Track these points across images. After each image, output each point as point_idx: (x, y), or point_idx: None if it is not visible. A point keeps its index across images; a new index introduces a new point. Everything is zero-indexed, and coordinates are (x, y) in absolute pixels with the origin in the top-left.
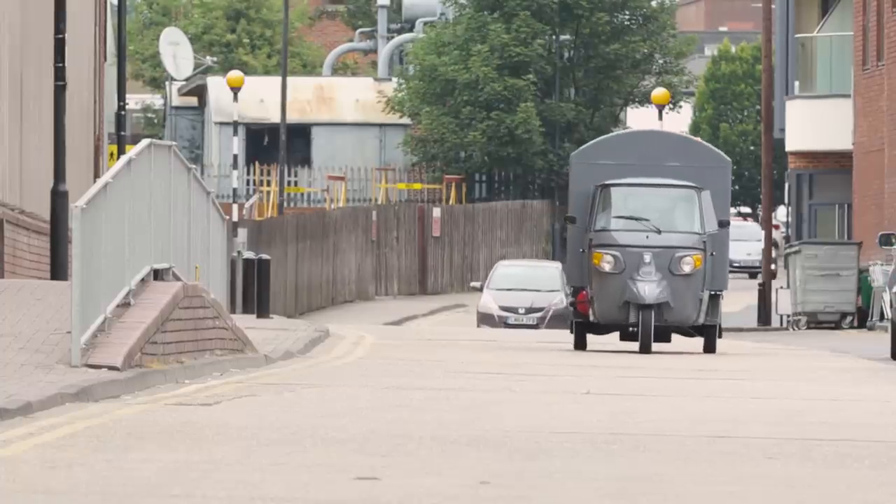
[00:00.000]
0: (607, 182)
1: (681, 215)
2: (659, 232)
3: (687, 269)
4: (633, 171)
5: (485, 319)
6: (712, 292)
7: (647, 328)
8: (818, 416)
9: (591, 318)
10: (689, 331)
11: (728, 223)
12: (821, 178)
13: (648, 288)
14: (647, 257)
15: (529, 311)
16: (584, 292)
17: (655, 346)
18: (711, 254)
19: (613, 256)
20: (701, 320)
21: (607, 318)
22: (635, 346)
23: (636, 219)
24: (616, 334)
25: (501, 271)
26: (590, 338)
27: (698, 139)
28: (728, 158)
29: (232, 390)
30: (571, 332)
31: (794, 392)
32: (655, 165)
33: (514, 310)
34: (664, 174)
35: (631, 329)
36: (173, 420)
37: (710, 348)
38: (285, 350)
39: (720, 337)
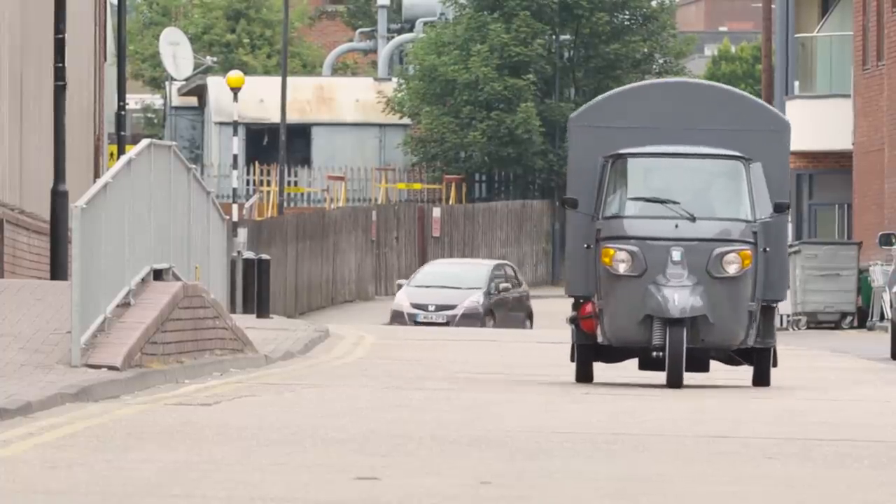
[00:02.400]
0: (621, 152)
1: (723, 197)
2: (693, 219)
3: (732, 270)
4: (657, 137)
5: (396, 317)
6: (765, 303)
7: (676, 353)
8: (818, 416)
9: (600, 338)
10: (734, 356)
11: (787, 207)
12: (821, 178)
13: (679, 296)
14: (677, 254)
15: (440, 308)
16: (590, 303)
17: (689, 377)
18: (765, 249)
19: (630, 253)
20: (750, 342)
21: (622, 338)
22: (661, 377)
23: (661, 201)
24: (634, 361)
25: (427, 269)
26: (599, 367)
27: (746, 93)
28: (787, 119)
29: (232, 390)
30: (572, 358)
31: (794, 392)
32: (688, 129)
33: (424, 307)
34: (700, 140)
35: (655, 354)
36: (173, 420)
37: (762, 379)
38: (285, 350)
39: (775, 365)
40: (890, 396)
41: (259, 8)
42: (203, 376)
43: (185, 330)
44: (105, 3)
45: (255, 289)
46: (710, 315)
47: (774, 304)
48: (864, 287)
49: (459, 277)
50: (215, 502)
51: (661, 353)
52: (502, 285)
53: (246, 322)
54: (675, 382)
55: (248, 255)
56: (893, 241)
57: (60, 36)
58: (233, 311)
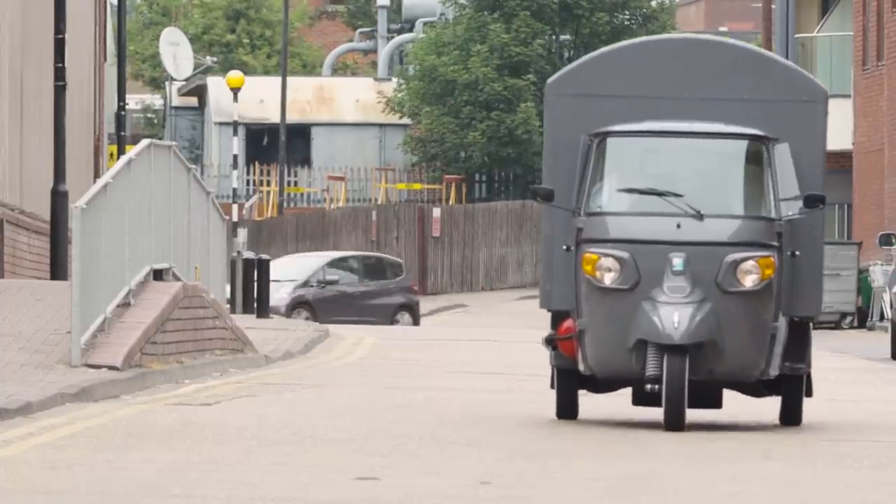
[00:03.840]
0: (610, 129)
1: (739, 188)
2: (700, 217)
3: (749, 282)
4: (657, 110)
5: None
6: (796, 318)
7: (676, 388)
8: (818, 417)
9: (581, 366)
10: (757, 387)
11: (822, 200)
12: None
13: (679, 315)
14: (679, 261)
15: None
16: (570, 321)
17: (697, 415)
18: (792, 254)
19: (619, 260)
20: (774, 370)
21: (607, 368)
22: (659, 414)
23: (660, 194)
24: (628, 392)
25: (273, 263)
26: (585, 401)
27: (771, 54)
28: (823, 87)
29: (232, 390)
30: (552, 385)
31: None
32: (695, 100)
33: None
34: (710, 115)
35: (650, 388)
36: (173, 420)
37: (791, 415)
38: (285, 350)
39: (809, 394)
40: (890, 396)
41: (259, 8)
42: (203, 376)
43: (185, 330)
44: (105, 3)
45: (255, 289)
46: (720, 340)
47: (807, 320)
48: (864, 287)
49: (284, 271)
50: (215, 502)
51: (656, 387)
52: (330, 278)
53: (246, 322)
54: (674, 425)
55: (248, 255)
56: (893, 241)
57: (60, 36)
58: (233, 311)
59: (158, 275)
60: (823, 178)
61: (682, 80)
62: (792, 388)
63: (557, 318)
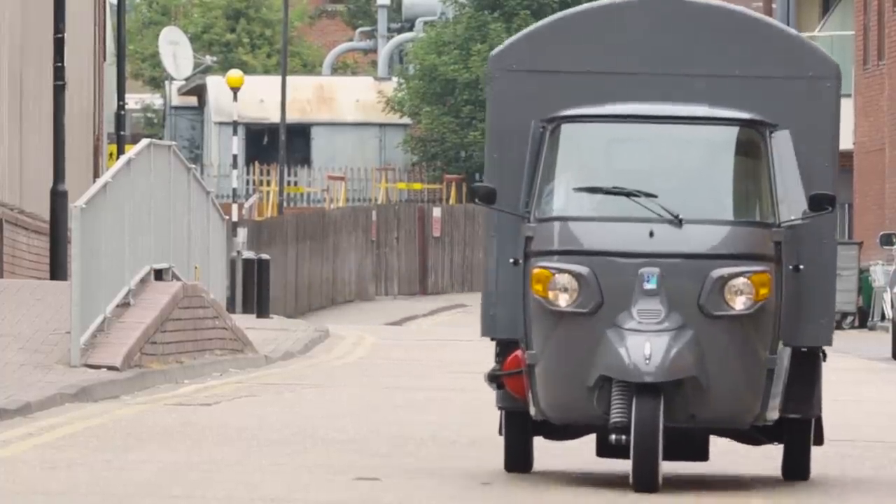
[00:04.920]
0: (567, 113)
1: (727, 185)
2: (679, 223)
3: (740, 303)
4: (626, 89)
5: None
6: (804, 349)
7: (647, 437)
8: None
9: (532, 410)
10: (753, 434)
11: (831, 201)
12: None
13: (652, 347)
14: (652, 279)
15: None
16: (519, 352)
17: (679, 469)
18: (796, 268)
19: (576, 277)
20: (773, 414)
21: (564, 411)
22: (628, 466)
23: (629, 194)
24: (592, 439)
25: None
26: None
27: (771, 19)
28: (834, 62)
29: (232, 390)
30: (501, 431)
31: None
32: (673, 77)
33: None
34: (693, 94)
35: (615, 438)
36: (173, 420)
37: (796, 467)
38: (285, 350)
39: (819, 442)
40: (891, 397)
41: (259, 7)
42: (203, 376)
43: (185, 330)
44: (104, 2)
45: (254, 289)
46: (703, 378)
47: (817, 351)
48: (864, 287)
49: None
50: (215, 503)
51: (623, 438)
52: None
53: (246, 322)
54: (645, 484)
55: (248, 255)
56: (894, 240)
57: (60, 36)
58: (232, 311)
59: (158, 275)
60: (835, 173)
61: (658, 52)
62: (796, 436)
63: (503, 349)
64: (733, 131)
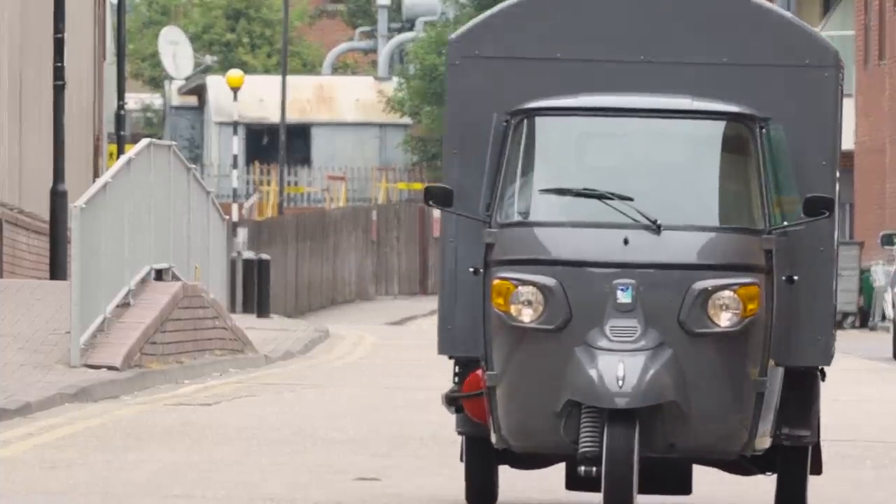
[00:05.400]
0: (534, 106)
1: (712, 186)
2: (657, 229)
3: (725, 319)
4: (599, 79)
5: None
6: (799, 369)
7: (621, 469)
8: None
9: (493, 438)
10: (742, 464)
11: (829, 205)
12: None
13: (626, 368)
14: (626, 292)
15: None
16: (480, 372)
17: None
18: (789, 279)
19: (542, 289)
20: (764, 441)
21: (528, 438)
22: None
23: (600, 196)
24: (561, 469)
25: None
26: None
27: (764, 2)
28: (834, 48)
29: (232, 390)
30: (462, 458)
31: None
32: (652, 65)
33: None
34: (673, 84)
35: (584, 470)
36: (173, 420)
37: (791, 502)
38: (285, 350)
39: (818, 471)
40: (892, 397)
41: (259, 7)
42: (203, 376)
43: (185, 330)
44: (104, 2)
45: (255, 289)
46: (684, 402)
47: (815, 371)
48: (865, 287)
49: None
50: (215, 503)
51: (594, 470)
52: None
53: (246, 322)
54: None
55: (248, 255)
56: (895, 240)
57: (60, 35)
58: (232, 311)
59: (158, 275)
60: (834, 173)
61: (636, 38)
62: (791, 465)
63: (463, 368)
64: (719, 126)
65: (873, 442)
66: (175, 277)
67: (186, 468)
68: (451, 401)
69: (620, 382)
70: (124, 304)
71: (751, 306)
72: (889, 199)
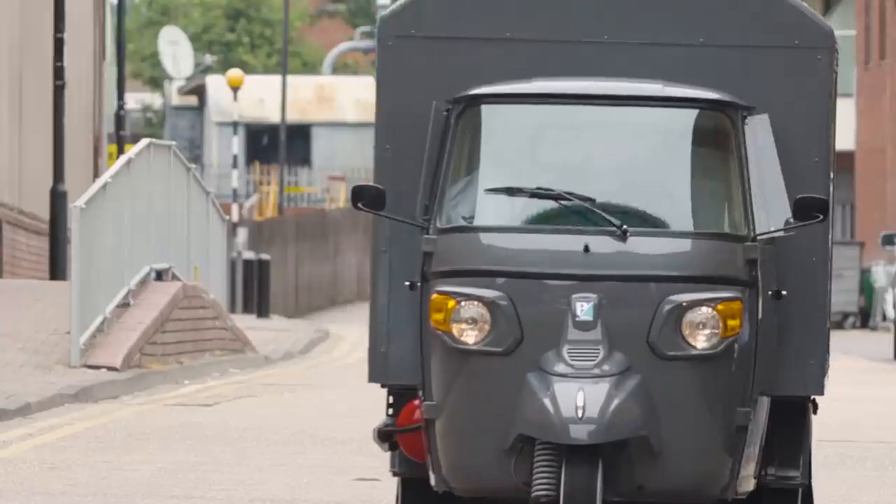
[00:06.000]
0: (479, 92)
1: (685, 185)
2: (622, 234)
3: (702, 340)
4: (555, 61)
5: None
6: (788, 399)
7: None
8: (820, 417)
9: (433, 479)
10: None
11: (823, 207)
12: None
13: (587, 397)
14: (586, 307)
15: None
16: (417, 403)
17: None
18: (776, 294)
19: (488, 305)
20: (747, 483)
21: (473, 480)
22: None
23: (556, 196)
24: None
25: None
26: None
27: None
28: (828, 27)
29: (232, 391)
30: (398, 500)
31: None
32: (618, 45)
33: None
34: (642, 68)
35: None
36: (173, 421)
37: None
38: (285, 350)
39: None
40: (893, 397)
41: (259, 7)
42: (203, 377)
43: (185, 330)
44: (104, 2)
45: (255, 289)
46: (654, 437)
47: (806, 400)
48: (866, 287)
49: None
50: (215, 503)
51: None
52: None
53: (246, 322)
54: None
55: (248, 255)
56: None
57: (60, 35)
58: (233, 311)
59: (158, 275)
60: (829, 171)
61: (599, 15)
62: None
63: (397, 399)
64: (695, 115)
65: (874, 443)
66: (175, 278)
67: (186, 469)
68: (385, 436)
69: (580, 413)
70: (124, 305)
71: (732, 325)
72: (890, 200)
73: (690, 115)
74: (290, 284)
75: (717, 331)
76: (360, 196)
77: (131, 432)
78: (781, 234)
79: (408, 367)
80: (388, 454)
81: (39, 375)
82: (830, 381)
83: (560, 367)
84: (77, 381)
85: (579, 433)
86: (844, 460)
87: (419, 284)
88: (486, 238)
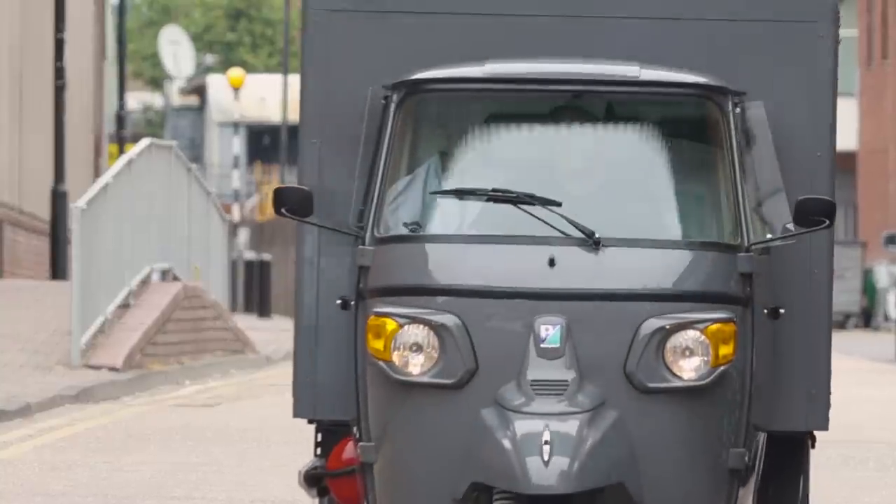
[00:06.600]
0: (424, 76)
1: (667, 186)
2: (594, 243)
3: (690, 370)
4: (516, 41)
5: None
6: (786, 434)
7: None
8: None
9: None
10: None
11: (829, 211)
12: None
13: (553, 437)
14: (553, 331)
15: None
16: (350, 442)
17: None
18: (773, 312)
19: (436, 329)
20: None
21: None
22: None
23: (515, 199)
24: None
25: None
26: None
27: None
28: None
29: (233, 392)
30: None
31: None
32: (586, 20)
33: None
34: (615, 48)
35: None
36: (173, 421)
37: None
38: (286, 351)
39: None
40: (894, 397)
41: (260, 7)
42: (204, 377)
43: (186, 331)
44: (104, 2)
45: (256, 289)
46: (633, 484)
47: (806, 436)
48: (868, 287)
49: None
50: None
51: None
52: None
53: (247, 323)
54: None
55: (249, 255)
56: None
57: (60, 35)
58: (234, 311)
59: (159, 275)
60: (833, 167)
61: None
62: None
63: (327, 437)
64: (678, 103)
65: (876, 443)
66: (176, 278)
67: (187, 469)
68: (312, 481)
69: (546, 457)
70: (125, 305)
71: (724, 351)
72: (892, 200)
73: (673, 102)
74: (292, 285)
75: (706, 358)
76: (283, 200)
77: (132, 433)
78: (780, 242)
79: (339, 400)
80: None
81: (40, 376)
82: (832, 383)
83: (521, 403)
84: (78, 381)
85: (545, 481)
86: (847, 461)
87: (353, 303)
88: (432, 249)
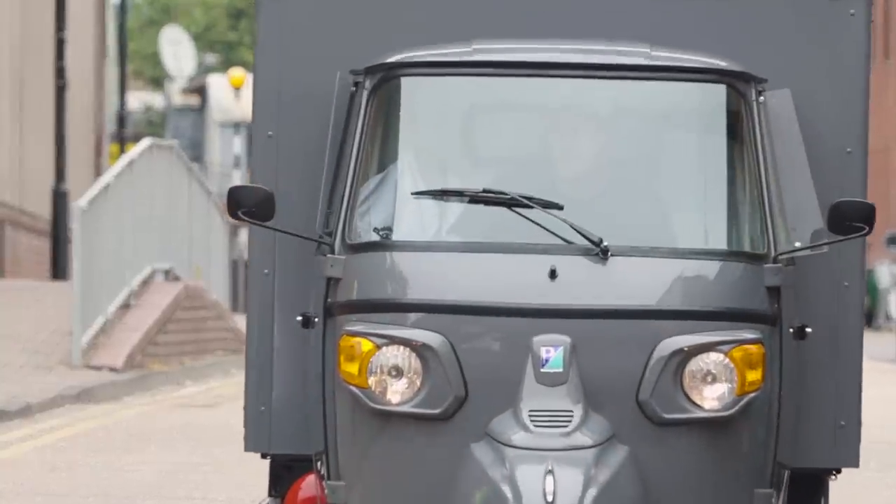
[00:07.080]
0: (400, 59)
1: (683, 189)
2: (603, 253)
3: (711, 399)
4: (503, 17)
5: None
6: (801, 471)
7: None
8: None
9: None
10: None
11: (869, 215)
12: None
13: (556, 478)
14: (555, 353)
15: None
16: (312, 479)
17: None
18: (799, 331)
19: (418, 351)
20: None
21: None
22: None
23: (510, 202)
24: None
25: None
26: None
27: None
28: None
29: (234, 392)
30: None
31: None
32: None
33: None
34: (623, 28)
35: None
36: (174, 422)
37: None
38: None
39: None
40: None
41: None
42: (205, 378)
43: (187, 331)
44: (105, 1)
45: None
46: None
47: (830, 476)
48: (870, 288)
49: None
50: None
51: None
52: None
53: None
54: None
55: None
56: None
57: (61, 35)
58: (235, 311)
59: (160, 275)
60: (864, 166)
61: None
62: None
63: (283, 474)
64: (694, 90)
65: (878, 442)
66: (177, 278)
67: (188, 470)
68: None
69: (549, 500)
70: (126, 305)
71: (752, 377)
72: (894, 200)
73: (688, 90)
74: None
75: (731, 385)
76: (241, 201)
77: (133, 433)
78: (808, 252)
79: (298, 433)
80: None
81: (40, 376)
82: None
83: (519, 437)
84: (78, 381)
85: None
86: None
87: (318, 320)
88: (412, 259)
